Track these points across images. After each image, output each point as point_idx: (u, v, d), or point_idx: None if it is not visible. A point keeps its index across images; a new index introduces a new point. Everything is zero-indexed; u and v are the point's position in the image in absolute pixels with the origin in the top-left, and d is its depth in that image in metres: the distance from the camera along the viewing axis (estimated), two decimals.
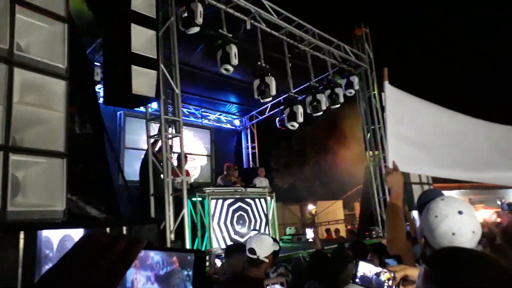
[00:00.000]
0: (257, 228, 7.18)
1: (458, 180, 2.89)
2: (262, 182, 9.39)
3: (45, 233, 3.54)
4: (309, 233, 8.58)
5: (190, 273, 0.69)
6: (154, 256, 0.71)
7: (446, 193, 1.84)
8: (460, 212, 1.55)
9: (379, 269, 1.45)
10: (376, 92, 10.04)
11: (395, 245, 2.00)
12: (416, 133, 2.65)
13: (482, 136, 2.94)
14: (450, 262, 1.00)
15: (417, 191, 9.21)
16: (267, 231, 7.30)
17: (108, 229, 3.97)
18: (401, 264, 1.66)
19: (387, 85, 2.55)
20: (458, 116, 2.94)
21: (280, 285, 2.25)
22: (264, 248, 2.77)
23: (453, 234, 1.51)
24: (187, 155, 8.01)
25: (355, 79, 9.43)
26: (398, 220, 2.10)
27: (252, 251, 2.75)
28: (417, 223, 2.25)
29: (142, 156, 7.07)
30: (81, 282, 0.55)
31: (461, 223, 1.53)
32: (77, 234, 3.65)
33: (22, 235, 3.21)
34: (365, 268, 1.45)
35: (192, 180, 9.73)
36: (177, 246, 5.21)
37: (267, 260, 2.77)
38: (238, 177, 9.39)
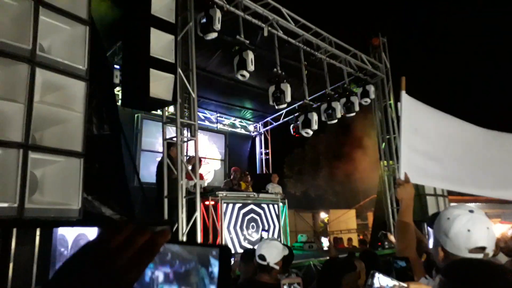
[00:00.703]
0: (267, 229, 7.16)
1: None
2: (275, 188, 9.38)
3: (60, 231, 3.60)
4: (325, 242, 8.55)
5: (213, 270, 0.62)
6: (175, 251, 0.66)
7: None
8: (471, 211, 1.57)
9: (395, 282, 1.45)
10: (392, 101, 9.96)
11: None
12: (430, 145, 2.60)
13: (498, 150, 2.85)
14: (466, 273, 1.00)
15: (431, 203, 9.09)
16: (278, 237, 7.28)
17: None
18: (409, 264, 1.67)
19: (404, 95, 2.51)
20: (475, 129, 2.86)
21: (297, 285, 2.23)
22: (274, 254, 2.76)
23: (469, 230, 1.51)
24: (201, 158, 8.05)
25: (371, 88, 9.36)
26: (408, 232, 2.09)
27: (262, 257, 2.74)
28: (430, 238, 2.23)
29: (158, 159, 7.13)
30: (101, 273, 0.53)
31: (474, 219, 1.54)
32: (91, 233, 3.70)
33: (38, 232, 3.26)
34: (382, 281, 1.46)
35: (205, 184, 9.77)
36: None
37: (277, 267, 2.75)
38: (251, 181, 9.41)
